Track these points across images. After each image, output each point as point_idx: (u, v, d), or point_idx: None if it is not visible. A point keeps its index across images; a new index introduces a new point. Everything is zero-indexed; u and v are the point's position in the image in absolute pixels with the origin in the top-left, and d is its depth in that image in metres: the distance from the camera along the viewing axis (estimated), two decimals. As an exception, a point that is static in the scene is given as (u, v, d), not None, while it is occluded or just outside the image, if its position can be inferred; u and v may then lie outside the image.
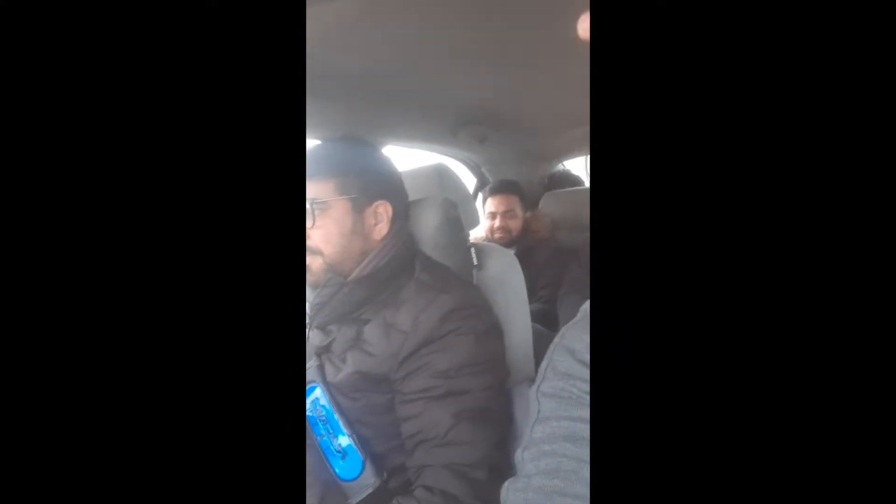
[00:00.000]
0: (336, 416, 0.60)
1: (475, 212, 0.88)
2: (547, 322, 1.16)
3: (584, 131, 1.33)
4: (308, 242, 0.63)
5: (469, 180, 1.62)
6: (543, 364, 0.41)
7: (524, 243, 1.43)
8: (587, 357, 0.39)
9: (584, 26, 0.21)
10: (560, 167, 1.79)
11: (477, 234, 1.44)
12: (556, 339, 0.44)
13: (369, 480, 0.58)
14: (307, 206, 0.62)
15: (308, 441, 0.61)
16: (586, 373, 0.38)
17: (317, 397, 0.62)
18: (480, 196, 1.52)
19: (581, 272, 1.21)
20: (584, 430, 0.33)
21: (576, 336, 0.43)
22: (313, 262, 0.64)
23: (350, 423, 0.60)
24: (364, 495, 0.58)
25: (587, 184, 1.71)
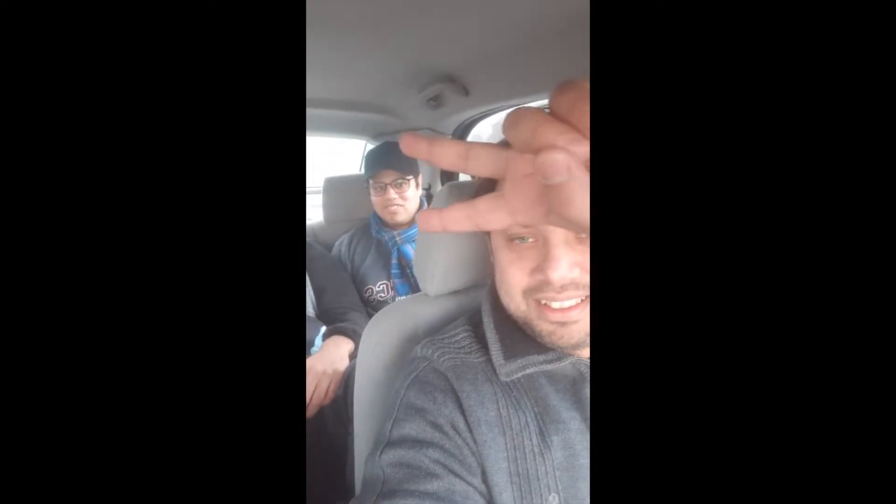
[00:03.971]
0: None
1: None
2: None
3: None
4: None
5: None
6: (387, 426, 0.35)
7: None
8: (441, 419, 0.34)
9: None
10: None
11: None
12: (401, 392, 0.38)
13: None
14: None
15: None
16: (444, 440, 0.33)
17: None
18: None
19: None
20: None
21: (420, 391, 0.36)
22: None
23: None
24: None
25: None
